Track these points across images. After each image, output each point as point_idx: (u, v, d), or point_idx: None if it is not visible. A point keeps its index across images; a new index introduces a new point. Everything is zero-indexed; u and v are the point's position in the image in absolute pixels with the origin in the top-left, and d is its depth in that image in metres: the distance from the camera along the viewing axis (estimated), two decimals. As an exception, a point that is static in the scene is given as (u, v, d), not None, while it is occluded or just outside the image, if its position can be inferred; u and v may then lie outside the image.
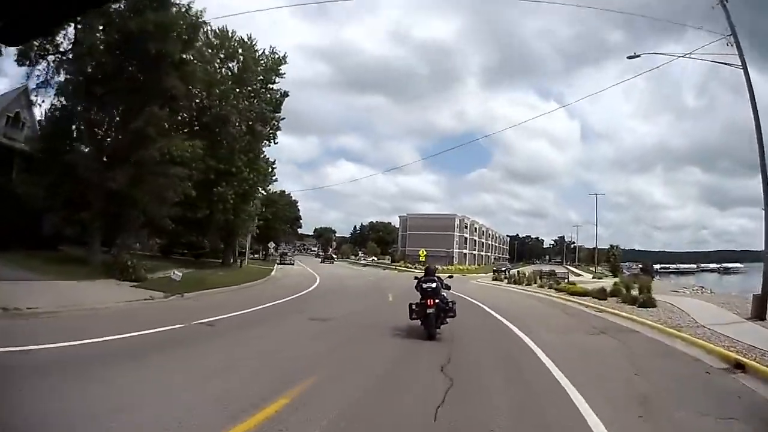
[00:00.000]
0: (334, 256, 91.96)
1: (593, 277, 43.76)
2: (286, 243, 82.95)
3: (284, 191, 63.41)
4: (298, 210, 75.49)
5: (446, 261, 77.03)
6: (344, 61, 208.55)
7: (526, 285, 31.31)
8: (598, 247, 72.35)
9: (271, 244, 61.12)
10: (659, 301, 15.27)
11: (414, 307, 9.72)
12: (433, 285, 9.66)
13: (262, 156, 33.64)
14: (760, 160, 12.63)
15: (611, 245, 73.41)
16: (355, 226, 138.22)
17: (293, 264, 51.20)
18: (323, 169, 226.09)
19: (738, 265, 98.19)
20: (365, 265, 70.36)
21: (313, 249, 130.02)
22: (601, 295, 18.38)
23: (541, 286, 28.91)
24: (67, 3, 1.51)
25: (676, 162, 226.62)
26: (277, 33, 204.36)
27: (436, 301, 9.42)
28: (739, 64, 13.24)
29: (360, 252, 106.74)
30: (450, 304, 9.84)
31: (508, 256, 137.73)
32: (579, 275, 50.04)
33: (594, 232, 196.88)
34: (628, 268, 79.99)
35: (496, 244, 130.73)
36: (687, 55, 15.64)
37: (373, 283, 31.70)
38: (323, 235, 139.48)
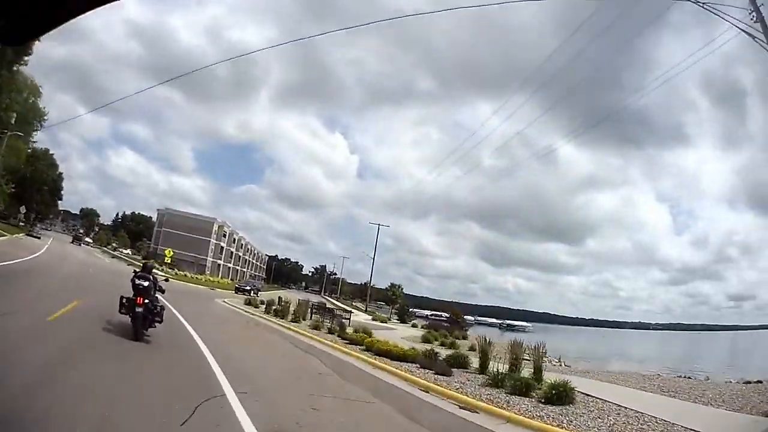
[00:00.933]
0: (89, 239, 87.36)
1: (373, 318, 39.27)
2: (40, 215, 60.39)
3: (48, 150, 60.59)
4: (61, 177, 68.91)
5: (196, 268, 64.23)
6: (157, 47, 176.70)
7: (292, 321, 22.62)
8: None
9: (23, 209, 52.83)
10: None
11: (124, 301, 9.26)
12: (146, 283, 9.25)
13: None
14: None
15: (392, 284, 70.31)
16: (117, 214, 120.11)
17: (39, 238, 47.61)
18: (105, 152, 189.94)
19: (524, 323, 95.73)
20: (113, 256, 61.77)
21: (81, 231, 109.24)
22: (434, 363, 11.73)
23: (316, 327, 20.66)
24: (67, 3, 1.57)
25: (455, 214, 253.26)
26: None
27: (146, 301, 9.08)
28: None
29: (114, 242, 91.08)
30: (158, 308, 9.60)
31: (264, 276, 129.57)
32: (351, 311, 45.09)
33: (358, 267, 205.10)
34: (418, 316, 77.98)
35: (254, 261, 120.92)
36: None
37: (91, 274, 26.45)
38: (88, 217, 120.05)
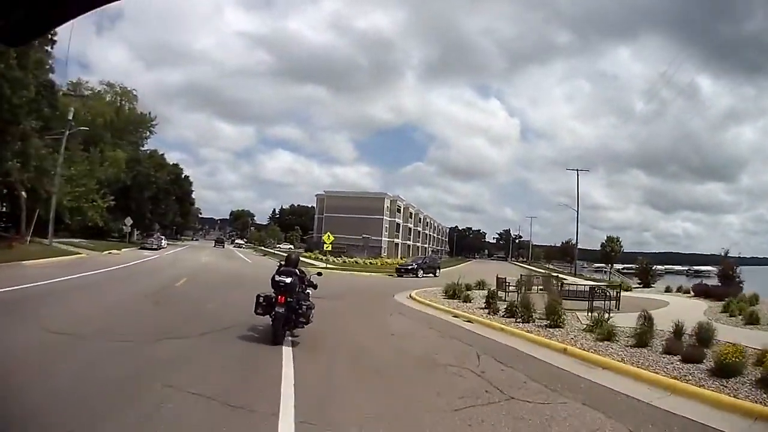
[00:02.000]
0: (240, 241, 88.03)
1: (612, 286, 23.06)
2: (163, 225, 60.69)
3: (177, 164, 62.65)
4: (190, 185, 67.45)
5: (368, 252, 55.22)
6: (285, 51, 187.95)
7: (552, 326, 10.36)
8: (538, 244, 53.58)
9: (128, 221, 44.85)
10: None
11: (261, 300, 8.08)
12: (288, 279, 7.97)
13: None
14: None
15: (609, 237, 53.32)
16: (274, 210, 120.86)
17: (156, 248, 41.26)
18: (259, 157, 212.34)
19: (709, 268, 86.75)
20: (264, 254, 53.89)
21: (230, 233, 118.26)
22: None
23: (608, 338, 8.82)
24: (67, 3, 1.54)
25: (619, 164, 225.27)
26: (218, 20, 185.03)
27: (289, 300, 7.85)
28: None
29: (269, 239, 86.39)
30: (304, 307, 8.06)
31: (447, 249, 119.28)
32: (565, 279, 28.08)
33: (537, 230, 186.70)
34: (591, 269, 62.53)
35: (434, 235, 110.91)
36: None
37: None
38: (240, 219, 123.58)
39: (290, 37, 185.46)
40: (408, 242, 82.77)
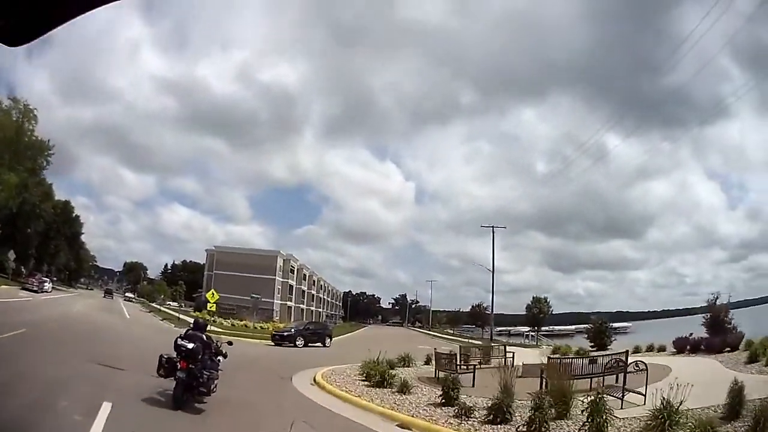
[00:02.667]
0: (131, 294, 76.79)
1: (557, 353, 20.91)
2: (57, 268, 56.05)
3: (68, 202, 56.72)
4: (81, 226, 63.21)
5: (256, 313, 48.90)
6: (191, 98, 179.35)
7: None
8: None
9: (11, 255, 40.20)
10: None
11: (164, 361, 7.64)
12: (191, 345, 7.53)
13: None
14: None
15: (536, 297, 50.04)
16: (166, 264, 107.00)
17: (37, 290, 36.99)
18: (157, 209, 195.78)
19: (625, 324, 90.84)
20: (150, 310, 50.46)
21: (123, 285, 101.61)
22: None
23: None
24: (67, 3, 1.55)
25: (517, 226, 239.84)
26: (136, 58, 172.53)
27: (191, 366, 7.41)
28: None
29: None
30: (206, 376, 7.51)
31: (342, 314, 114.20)
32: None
33: (426, 294, 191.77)
34: (510, 333, 60.76)
35: (329, 299, 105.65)
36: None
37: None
38: (133, 271, 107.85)
39: (197, 84, 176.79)
40: (302, 305, 76.76)
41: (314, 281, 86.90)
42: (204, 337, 7.91)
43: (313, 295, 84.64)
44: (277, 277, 65.37)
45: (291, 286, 70.80)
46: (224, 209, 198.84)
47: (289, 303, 69.22)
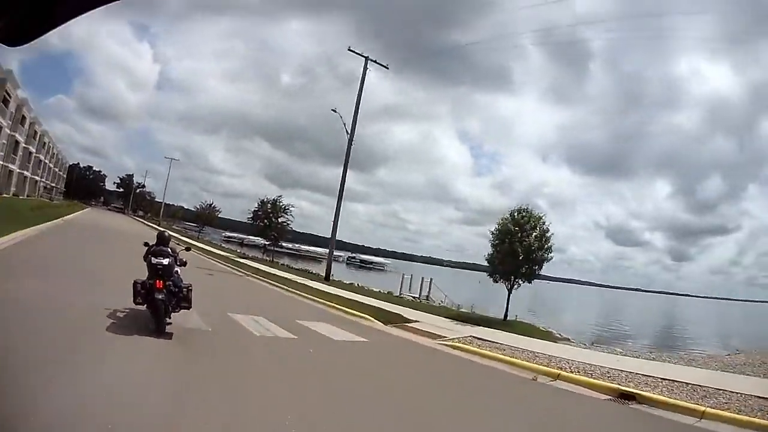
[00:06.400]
0: None
1: None
2: None
3: None
4: None
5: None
6: None
7: None
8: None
9: None
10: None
11: (139, 287, 6.94)
12: (165, 261, 7.17)
13: None
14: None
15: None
16: None
17: None
18: None
19: (381, 260, 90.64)
20: None
21: None
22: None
23: None
24: (68, 3, 1.53)
25: (247, 130, 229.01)
26: None
27: (168, 283, 7.03)
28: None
29: None
30: (184, 290, 7.33)
31: (63, 189, 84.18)
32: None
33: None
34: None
35: (54, 167, 75.03)
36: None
37: None
38: None
39: None
40: (11, 166, 49.66)
41: (38, 134, 58.77)
42: (169, 249, 7.41)
43: (30, 153, 56.90)
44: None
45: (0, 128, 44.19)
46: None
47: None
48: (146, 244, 7.68)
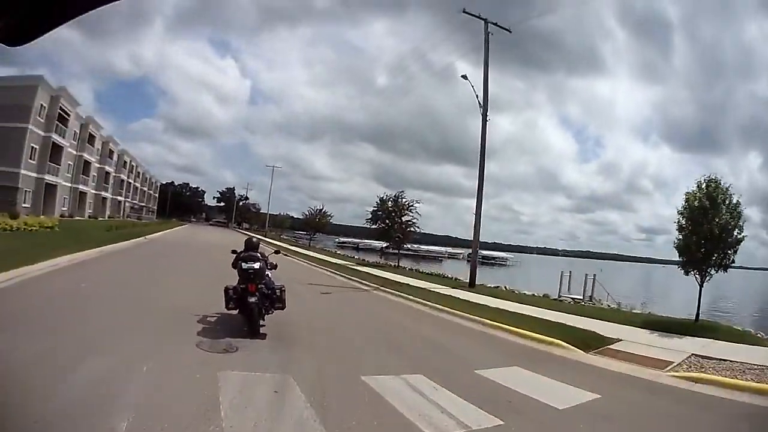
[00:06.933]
0: None
1: None
2: None
3: None
4: None
5: None
6: None
7: None
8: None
9: None
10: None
11: (231, 292, 7.01)
12: (256, 265, 7.23)
13: None
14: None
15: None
16: None
17: None
18: None
19: (502, 254, 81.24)
20: None
21: None
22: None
23: None
24: (68, 3, 1.47)
25: (349, 135, 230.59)
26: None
27: (260, 286, 7.10)
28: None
29: None
30: (278, 291, 7.38)
31: (154, 208, 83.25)
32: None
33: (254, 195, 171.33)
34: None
35: (143, 187, 73.25)
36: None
37: None
38: None
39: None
40: (84, 187, 45.73)
41: (115, 153, 54.96)
42: (259, 254, 7.56)
43: (110, 174, 53.08)
44: (30, 126, 34.11)
45: (61, 148, 39.34)
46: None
47: (56, 178, 38.47)
48: (234, 251, 7.73)
